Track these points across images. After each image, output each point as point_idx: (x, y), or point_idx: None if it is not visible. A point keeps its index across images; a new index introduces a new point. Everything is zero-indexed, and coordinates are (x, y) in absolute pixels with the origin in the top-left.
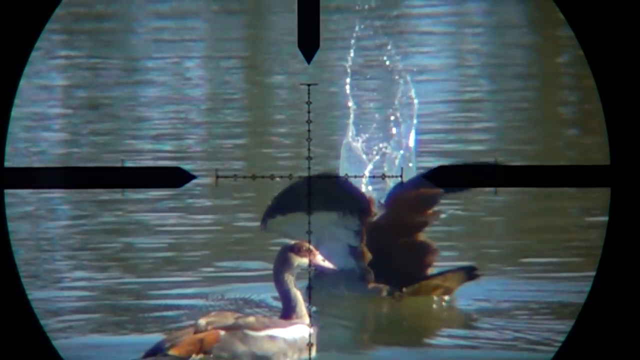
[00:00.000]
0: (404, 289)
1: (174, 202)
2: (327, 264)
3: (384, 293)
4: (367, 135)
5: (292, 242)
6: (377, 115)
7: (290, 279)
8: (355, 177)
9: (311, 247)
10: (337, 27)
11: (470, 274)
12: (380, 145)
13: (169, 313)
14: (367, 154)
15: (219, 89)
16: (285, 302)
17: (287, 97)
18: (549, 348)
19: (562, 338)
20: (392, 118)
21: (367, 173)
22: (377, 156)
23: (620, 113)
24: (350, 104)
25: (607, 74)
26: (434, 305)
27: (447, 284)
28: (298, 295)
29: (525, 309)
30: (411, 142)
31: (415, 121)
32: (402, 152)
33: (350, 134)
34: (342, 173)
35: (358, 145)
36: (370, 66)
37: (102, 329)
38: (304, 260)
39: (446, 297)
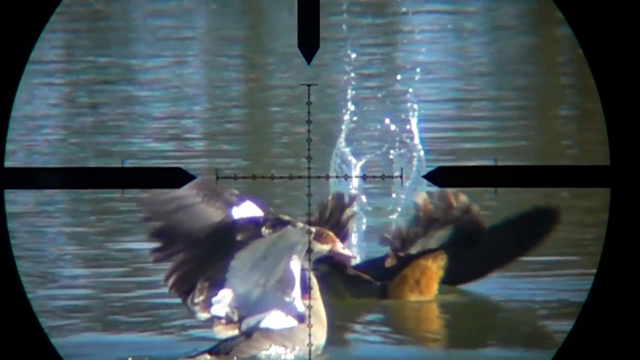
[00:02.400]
0: (388, 282)
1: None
2: (347, 252)
3: (372, 285)
4: (364, 135)
5: (314, 228)
6: (376, 114)
7: (307, 263)
8: (356, 177)
9: (331, 234)
10: (337, 27)
11: (455, 255)
12: (397, 147)
13: (168, 312)
14: (357, 156)
15: (218, 89)
16: (301, 284)
17: (287, 97)
18: (547, 348)
19: (560, 338)
20: (397, 119)
21: (354, 173)
22: (368, 156)
23: (620, 113)
24: (348, 102)
25: (607, 74)
26: (430, 304)
27: (430, 269)
28: (313, 279)
29: (524, 308)
30: (417, 142)
31: (416, 120)
32: (415, 153)
33: (343, 135)
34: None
35: (346, 150)
36: (370, 66)
37: (100, 327)
38: (324, 247)
39: (434, 293)
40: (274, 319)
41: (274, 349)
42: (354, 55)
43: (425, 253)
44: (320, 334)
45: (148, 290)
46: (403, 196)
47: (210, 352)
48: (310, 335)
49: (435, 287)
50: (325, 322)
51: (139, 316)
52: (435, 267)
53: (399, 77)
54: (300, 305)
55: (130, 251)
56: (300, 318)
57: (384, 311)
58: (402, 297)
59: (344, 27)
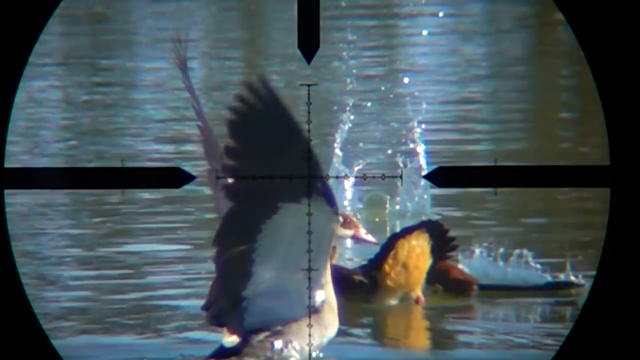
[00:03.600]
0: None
1: (174, 202)
2: (370, 238)
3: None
4: (364, 136)
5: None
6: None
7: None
8: (356, 177)
9: (355, 219)
10: (337, 29)
11: (436, 232)
12: (400, 150)
13: (168, 313)
14: (357, 156)
15: (218, 89)
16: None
17: (286, 97)
18: (542, 351)
19: (556, 341)
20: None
21: (353, 173)
22: (367, 160)
23: (620, 113)
24: (348, 102)
25: (607, 75)
26: (426, 305)
27: (414, 250)
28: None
29: (522, 310)
30: (419, 145)
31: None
32: (419, 157)
33: (344, 136)
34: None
35: (346, 151)
36: (371, 68)
37: (101, 329)
38: (347, 232)
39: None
40: (284, 315)
41: (279, 345)
42: (353, 37)
43: (407, 232)
44: (332, 322)
45: (146, 293)
46: (410, 204)
47: (214, 356)
48: (310, 335)
49: (424, 268)
50: (336, 309)
51: (137, 318)
52: (419, 249)
53: (399, 79)
54: (320, 295)
55: (129, 253)
56: (315, 309)
57: (375, 314)
58: (392, 284)
59: (347, 29)
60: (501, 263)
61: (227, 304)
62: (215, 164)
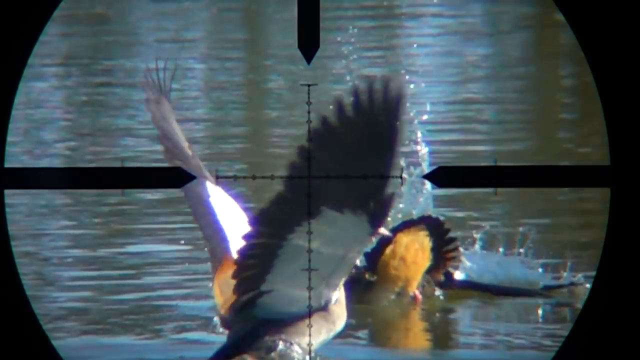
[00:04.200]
0: (372, 274)
1: (174, 202)
2: (385, 232)
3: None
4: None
5: None
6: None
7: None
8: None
9: None
10: (337, 28)
11: (436, 230)
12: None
13: (169, 314)
14: None
15: (217, 89)
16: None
17: (286, 97)
18: (541, 352)
19: (556, 341)
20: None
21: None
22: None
23: (620, 113)
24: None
25: (607, 74)
26: (424, 305)
27: (412, 245)
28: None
29: (521, 310)
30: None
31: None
32: (421, 161)
33: None
34: None
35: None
36: (370, 67)
37: (101, 329)
38: None
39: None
40: (293, 315)
41: (283, 345)
42: (354, 31)
43: (405, 226)
44: (340, 315)
45: (146, 293)
46: (414, 210)
47: (216, 357)
48: (310, 335)
49: (422, 265)
50: (344, 302)
51: (137, 319)
52: (417, 245)
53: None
54: (335, 295)
55: (129, 254)
56: (324, 307)
57: (374, 315)
58: (392, 276)
59: (350, 29)
60: (501, 263)
61: (242, 300)
62: (182, 164)
